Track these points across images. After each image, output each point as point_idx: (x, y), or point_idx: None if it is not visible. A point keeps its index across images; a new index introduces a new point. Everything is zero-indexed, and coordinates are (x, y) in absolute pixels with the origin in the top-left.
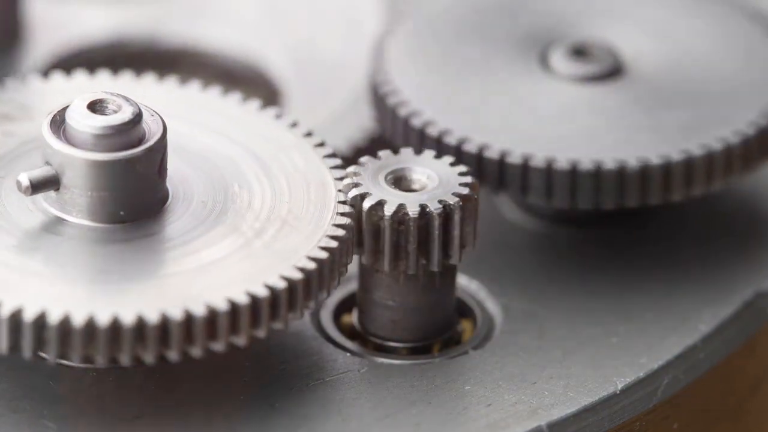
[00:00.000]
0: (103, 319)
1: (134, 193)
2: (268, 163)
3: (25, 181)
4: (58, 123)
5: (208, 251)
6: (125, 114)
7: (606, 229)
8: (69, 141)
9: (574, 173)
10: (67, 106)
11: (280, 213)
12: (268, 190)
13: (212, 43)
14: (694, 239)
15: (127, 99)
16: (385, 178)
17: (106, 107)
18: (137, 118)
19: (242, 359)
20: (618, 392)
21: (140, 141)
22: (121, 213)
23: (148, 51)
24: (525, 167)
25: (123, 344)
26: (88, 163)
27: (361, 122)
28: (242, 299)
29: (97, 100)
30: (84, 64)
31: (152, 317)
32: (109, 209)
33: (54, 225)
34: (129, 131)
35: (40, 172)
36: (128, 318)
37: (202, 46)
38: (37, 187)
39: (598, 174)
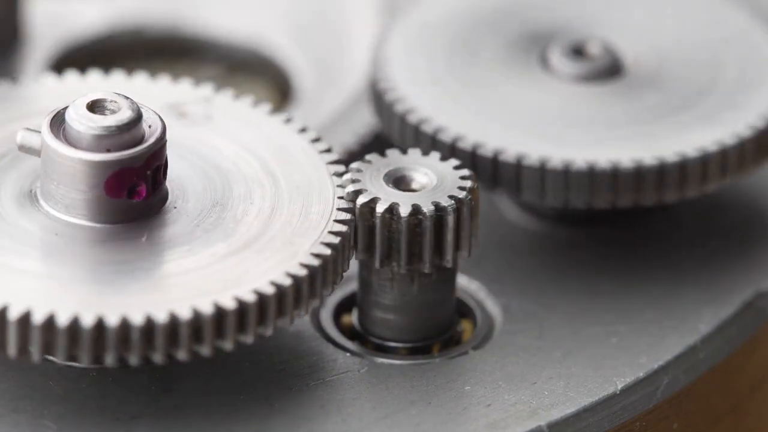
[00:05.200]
0: (112, 320)
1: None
2: (268, 162)
3: (18, 139)
4: (58, 123)
5: (208, 251)
6: (124, 114)
7: (606, 229)
8: (68, 141)
9: (572, 172)
10: (67, 107)
11: (279, 213)
12: (268, 189)
13: (215, 30)
14: (693, 239)
15: (127, 99)
16: (385, 177)
17: (106, 107)
18: (136, 118)
19: (242, 359)
20: (618, 392)
21: (139, 141)
22: (118, 214)
23: (153, 42)
24: (519, 166)
25: (132, 344)
26: (88, 163)
27: (362, 121)
28: (250, 297)
29: (96, 100)
30: (85, 59)
31: (160, 317)
32: (108, 209)
33: (54, 225)
34: (128, 131)
35: (35, 137)
36: (137, 318)
37: (204, 33)
38: (23, 149)
39: (615, 173)
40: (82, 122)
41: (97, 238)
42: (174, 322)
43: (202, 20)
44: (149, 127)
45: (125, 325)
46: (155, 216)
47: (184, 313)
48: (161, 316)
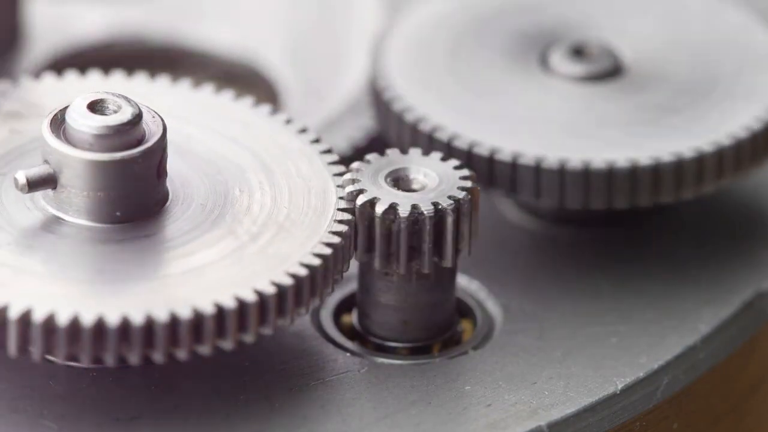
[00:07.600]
0: (114, 318)
1: (133, 193)
2: (269, 165)
3: (21, 179)
4: (59, 122)
5: (207, 252)
6: (125, 114)
7: (606, 229)
8: (69, 141)
9: (565, 173)
10: (68, 106)
11: (278, 217)
12: (268, 193)
13: (211, 43)
14: (694, 239)
15: (127, 99)
16: (385, 177)
17: (106, 107)
18: (137, 118)
19: (242, 359)
20: (618, 392)
21: (140, 141)
22: (119, 213)
23: (150, 51)
24: (518, 166)
25: (133, 343)
26: (87, 163)
27: (361, 122)
28: (250, 297)
29: (97, 100)
30: (82, 64)
31: (166, 316)
32: (108, 209)
33: (53, 225)
34: (128, 132)
35: (38, 170)
36: (146, 317)
37: (200, 46)
38: (34, 185)
39: (610, 173)
40: (82, 121)
41: (95, 238)
42: (192, 320)
43: (201, 33)
44: (149, 128)
45: (140, 324)
46: (155, 217)
47: (188, 312)
48: (168, 315)
